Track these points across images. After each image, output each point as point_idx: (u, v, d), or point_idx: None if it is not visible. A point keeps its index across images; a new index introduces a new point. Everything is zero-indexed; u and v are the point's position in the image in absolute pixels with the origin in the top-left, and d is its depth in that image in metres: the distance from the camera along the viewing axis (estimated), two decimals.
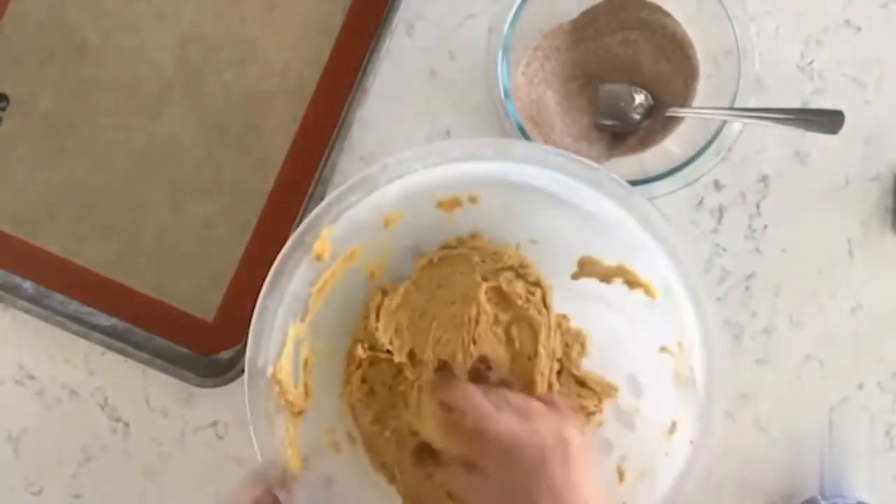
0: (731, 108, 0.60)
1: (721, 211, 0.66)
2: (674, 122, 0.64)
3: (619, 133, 0.66)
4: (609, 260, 0.57)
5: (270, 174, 0.66)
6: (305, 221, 0.54)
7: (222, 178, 0.66)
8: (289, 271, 0.54)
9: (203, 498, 0.67)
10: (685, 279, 0.55)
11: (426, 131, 0.67)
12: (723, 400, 0.55)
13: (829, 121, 0.58)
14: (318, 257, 0.55)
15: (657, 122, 0.65)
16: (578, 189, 0.55)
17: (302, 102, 0.66)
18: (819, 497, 0.62)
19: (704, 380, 0.55)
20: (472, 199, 0.57)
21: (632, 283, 0.57)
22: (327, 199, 0.54)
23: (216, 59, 0.66)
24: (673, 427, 0.56)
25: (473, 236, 0.60)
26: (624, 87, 0.65)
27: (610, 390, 0.59)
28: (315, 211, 0.54)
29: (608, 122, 0.65)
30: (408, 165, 0.54)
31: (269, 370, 0.54)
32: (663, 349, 0.56)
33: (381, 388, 0.59)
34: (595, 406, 0.59)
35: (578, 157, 0.54)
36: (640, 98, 0.65)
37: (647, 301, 0.56)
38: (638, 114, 0.65)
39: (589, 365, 0.60)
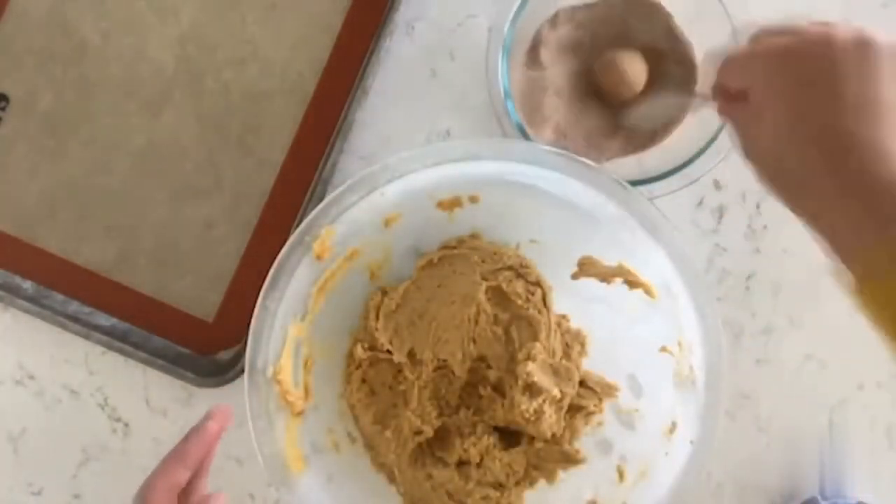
0: None
1: (721, 211, 0.66)
2: (673, 122, 0.64)
3: (618, 132, 0.66)
4: (609, 260, 0.57)
5: (270, 174, 0.66)
6: (305, 221, 0.54)
7: (222, 178, 0.66)
8: (289, 271, 0.54)
9: None
10: (685, 279, 0.55)
11: (426, 131, 0.67)
12: (723, 400, 0.55)
13: None
14: (319, 257, 0.55)
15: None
16: (578, 189, 0.55)
17: (302, 102, 0.66)
18: (819, 497, 0.62)
19: (704, 380, 0.55)
20: (472, 199, 0.57)
21: (632, 283, 0.57)
22: (327, 199, 0.54)
23: (216, 59, 0.66)
24: (673, 427, 0.56)
25: (473, 236, 0.60)
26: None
27: (610, 390, 0.59)
28: (315, 211, 0.54)
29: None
30: (408, 165, 0.54)
31: (269, 370, 0.54)
32: (663, 349, 0.56)
33: (382, 388, 0.59)
34: (595, 406, 0.59)
35: (578, 157, 0.54)
36: None
37: (647, 301, 0.57)
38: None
39: (589, 365, 0.60)
